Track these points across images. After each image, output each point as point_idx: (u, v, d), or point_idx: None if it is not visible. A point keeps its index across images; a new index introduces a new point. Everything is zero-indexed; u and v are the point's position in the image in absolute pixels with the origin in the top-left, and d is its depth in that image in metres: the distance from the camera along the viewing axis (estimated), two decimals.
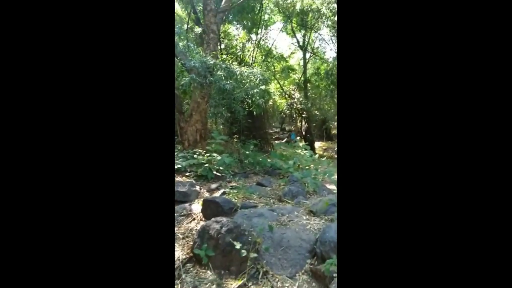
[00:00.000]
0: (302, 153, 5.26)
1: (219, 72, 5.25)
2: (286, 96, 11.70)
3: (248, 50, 13.67)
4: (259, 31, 13.00)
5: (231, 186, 3.87)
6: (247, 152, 6.40)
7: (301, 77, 12.07)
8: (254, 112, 6.09)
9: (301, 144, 6.09)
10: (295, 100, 10.40)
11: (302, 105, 10.21)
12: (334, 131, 16.97)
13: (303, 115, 10.60)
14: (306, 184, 3.90)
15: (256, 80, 5.69)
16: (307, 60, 13.46)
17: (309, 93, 13.02)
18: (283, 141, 17.68)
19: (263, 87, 5.56)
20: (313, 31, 12.32)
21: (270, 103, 14.60)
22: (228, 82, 5.19)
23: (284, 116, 11.54)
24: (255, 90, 5.39)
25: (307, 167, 4.82)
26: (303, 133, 11.20)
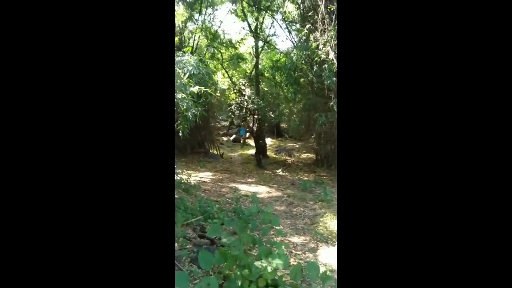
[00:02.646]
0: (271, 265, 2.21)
1: None
2: (235, 91, 9.36)
3: (191, 32, 10.89)
4: (204, 10, 10.29)
5: None
6: None
7: (252, 69, 9.75)
8: (180, 133, 3.66)
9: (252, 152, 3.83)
10: (246, 97, 8.12)
11: (254, 105, 7.99)
12: (283, 125, 15.26)
13: (255, 116, 8.40)
14: None
15: (184, 76, 3.27)
16: (259, 50, 11.19)
17: (261, 86, 10.85)
18: (231, 138, 15.45)
19: (195, 89, 3.18)
20: (267, 14, 10.03)
21: (218, 94, 12.12)
22: None
23: (232, 116, 9.19)
24: (179, 96, 2.99)
25: None
26: (254, 129, 9.13)
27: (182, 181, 5.60)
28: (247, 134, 13.56)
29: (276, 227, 2.83)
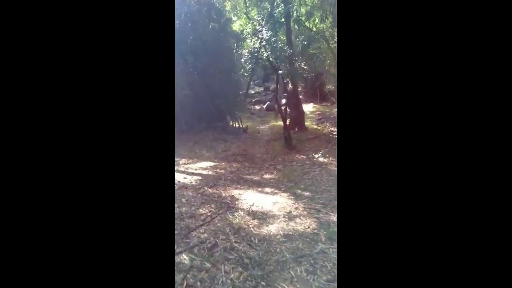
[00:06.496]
0: None
1: None
2: (249, 35, 6.14)
3: None
4: None
5: None
6: None
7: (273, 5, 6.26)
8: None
9: None
10: (264, 43, 4.91)
11: (276, 52, 4.79)
12: (330, 87, 11.54)
13: (279, 71, 5.21)
14: None
15: None
16: None
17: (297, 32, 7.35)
18: (265, 106, 12.35)
19: None
20: None
21: (245, 51, 8.95)
22: None
23: (245, 73, 6.19)
24: None
25: None
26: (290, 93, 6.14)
27: None
28: (283, 101, 10.31)
29: None
